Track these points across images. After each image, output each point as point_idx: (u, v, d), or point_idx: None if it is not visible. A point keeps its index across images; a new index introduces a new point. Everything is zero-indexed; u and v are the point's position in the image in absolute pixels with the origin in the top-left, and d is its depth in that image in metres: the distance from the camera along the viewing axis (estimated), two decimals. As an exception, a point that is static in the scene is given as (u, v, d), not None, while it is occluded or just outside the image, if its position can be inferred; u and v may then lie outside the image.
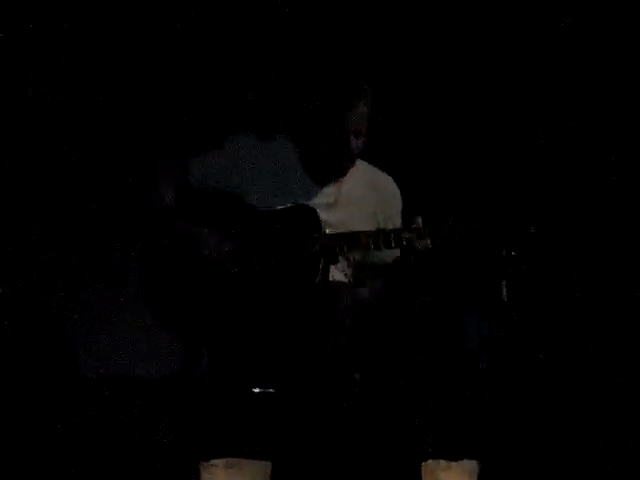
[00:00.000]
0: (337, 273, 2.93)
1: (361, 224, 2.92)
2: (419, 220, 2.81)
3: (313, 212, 2.84)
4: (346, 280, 2.97)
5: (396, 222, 2.99)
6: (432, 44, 3.75)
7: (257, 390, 2.69)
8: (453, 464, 2.71)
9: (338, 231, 2.85)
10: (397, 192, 3.07)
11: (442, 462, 2.72)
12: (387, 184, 3.07)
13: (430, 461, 2.72)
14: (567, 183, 3.68)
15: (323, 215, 2.86)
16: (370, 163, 3.08)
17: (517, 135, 3.75)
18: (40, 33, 3.71)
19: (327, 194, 2.96)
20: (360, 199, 3.00)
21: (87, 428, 3.23)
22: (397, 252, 2.89)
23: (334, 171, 2.95)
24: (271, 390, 2.70)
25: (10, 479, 3.11)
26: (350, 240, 2.83)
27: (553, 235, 3.14)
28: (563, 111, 3.72)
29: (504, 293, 2.98)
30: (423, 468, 2.73)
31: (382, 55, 3.68)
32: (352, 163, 2.95)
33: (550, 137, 3.73)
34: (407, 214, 3.01)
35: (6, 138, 3.75)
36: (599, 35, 3.68)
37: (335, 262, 2.86)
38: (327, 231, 2.84)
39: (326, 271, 2.82)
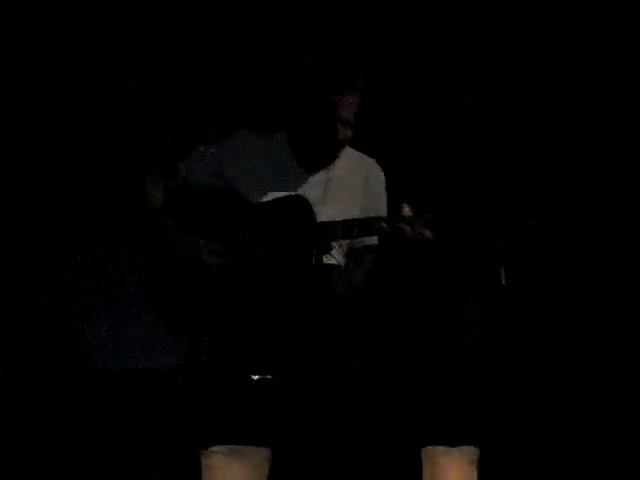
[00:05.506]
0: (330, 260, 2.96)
1: (350, 210, 2.95)
2: (407, 209, 2.82)
3: (306, 202, 2.86)
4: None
5: (382, 208, 3.02)
6: (422, 34, 3.76)
7: (256, 377, 2.70)
8: (453, 449, 2.70)
9: (329, 219, 2.86)
10: (382, 177, 3.09)
11: (442, 447, 2.71)
12: (373, 170, 3.09)
13: (430, 446, 2.72)
14: (563, 173, 3.69)
15: (313, 201, 2.87)
16: (365, 153, 3.11)
17: (511, 127, 3.76)
18: (31, 30, 3.73)
19: (317, 181, 2.98)
20: (348, 185, 3.01)
21: (90, 417, 3.26)
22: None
23: (323, 159, 2.98)
24: (269, 377, 2.71)
25: (15, 468, 3.15)
26: (344, 228, 2.84)
27: (550, 223, 3.16)
28: (556, 102, 3.73)
29: (502, 279, 3.00)
30: (423, 453, 2.73)
31: (373, 44, 3.70)
32: (340, 151, 2.99)
33: (543, 127, 3.74)
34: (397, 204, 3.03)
35: (3, 138, 3.78)
36: (595, 34, 3.70)
37: (329, 251, 2.88)
38: (321, 219, 2.86)
39: (319, 261, 2.84)
